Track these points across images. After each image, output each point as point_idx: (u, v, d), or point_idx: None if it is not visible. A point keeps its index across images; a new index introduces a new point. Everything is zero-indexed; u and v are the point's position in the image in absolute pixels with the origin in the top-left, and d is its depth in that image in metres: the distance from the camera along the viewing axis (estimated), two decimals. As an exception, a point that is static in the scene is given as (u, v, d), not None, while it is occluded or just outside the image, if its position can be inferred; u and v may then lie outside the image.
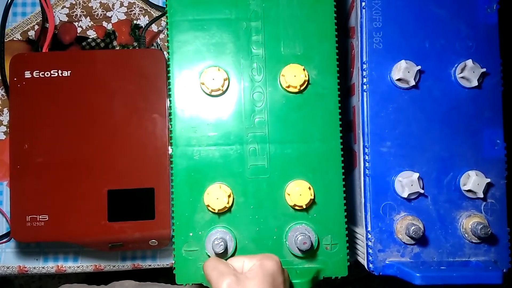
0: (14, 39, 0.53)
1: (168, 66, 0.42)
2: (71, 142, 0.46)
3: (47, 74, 0.47)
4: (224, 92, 0.42)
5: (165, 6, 0.46)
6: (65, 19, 0.54)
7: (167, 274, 0.54)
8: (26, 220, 0.46)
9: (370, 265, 0.41)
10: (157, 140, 0.47)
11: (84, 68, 0.47)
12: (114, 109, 0.47)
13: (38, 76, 0.47)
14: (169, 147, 0.46)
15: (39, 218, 0.46)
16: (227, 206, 0.40)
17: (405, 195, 0.40)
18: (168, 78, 0.42)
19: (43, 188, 0.46)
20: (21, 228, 0.46)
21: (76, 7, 0.54)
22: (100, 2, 0.54)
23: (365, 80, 0.41)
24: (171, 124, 0.42)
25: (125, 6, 0.54)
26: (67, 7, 0.54)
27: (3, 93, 0.53)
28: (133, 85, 0.47)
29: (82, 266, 0.52)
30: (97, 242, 0.47)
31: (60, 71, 0.47)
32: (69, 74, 0.47)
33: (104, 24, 0.54)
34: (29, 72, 0.47)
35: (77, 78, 0.47)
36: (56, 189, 0.46)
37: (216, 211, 0.40)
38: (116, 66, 0.47)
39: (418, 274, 0.38)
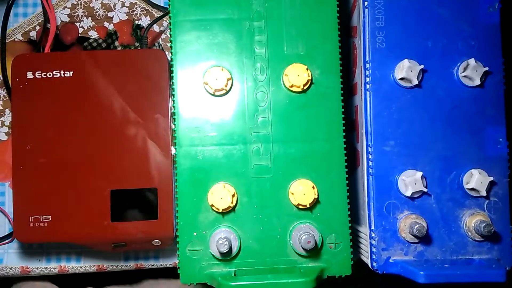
0: (16, 39, 0.53)
1: (170, 66, 0.43)
2: (74, 143, 0.46)
3: (49, 74, 0.47)
4: (227, 92, 0.42)
5: (167, 7, 0.46)
6: (67, 19, 0.54)
7: (170, 274, 0.55)
8: (29, 220, 0.46)
9: (374, 264, 0.41)
10: (160, 140, 0.47)
11: (86, 68, 0.47)
12: (116, 109, 0.47)
13: (40, 76, 0.47)
14: (172, 147, 0.46)
15: (42, 219, 0.46)
16: (231, 205, 0.40)
17: (408, 194, 0.40)
18: (171, 78, 0.42)
19: (45, 189, 0.46)
20: (24, 228, 0.46)
21: (77, 7, 0.54)
22: (102, 3, 0.54)
23: (368, 79, 0.41)
24: (174, 124, 0.42)
25: (126, 7, 0.54)
26: (68, 8, 0.54)
27: (5, 94, 0.53)
28: (135, 86, 0.47)
29: (85, 266, 0.52)
30: (100, 243, 0.47)
31: (62, 72, 0.47)
32: (71, 75, 0.47)
33: (106, 24, 0.54)
34: (31, 72, 0.47)
35: (79, 78, 0.47)
36: (58, 190, 0.46)
37: (220, 210, 0.40)
38: (118, 67, 0.47)
39: (422, 273, 0.38)
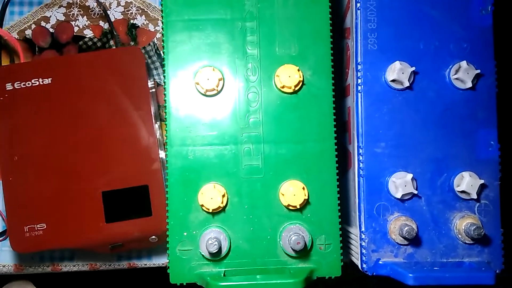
0: (11, 38, 0.53)
1: (147, 63, 0.42)
2: (60, 149, 0.46)
3: (28, 83, 0.47)
4: (219, 92, 0.42)
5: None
6: (62, 18, 0.54)
7: (162, 274, 0.55)
8: (24, 230, 0.46)
9: (364, 265, 0.41)
10: (145, 137, 0.47)
11: (64, 73, 0.47)
12: (98, 110, 0.47)
13: (19, 86, 0.47)
14: (157, 142, 0.46)
15: (37, 228, 0.46)
16: (221, 206, 0.40)
17: (398, 195, 0.40)
18: (150, 75, 0.42)
19: (37, 197, 0.46)
20: (20, 239, 0.46)
21: (73, 6, 0.54)
22: (97, 2, 0.54)
23: (359, 81, 0.41)
24: (166, 124, 0.42)
25: (122, 6, 0.54)
26: (64, 6, 0.54)
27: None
28: (114, 84, 0.47)
29: (78, 265, 0.52)
30: (98, 245, 0.47)
31: (41, 79, 0.47)
32: (50, 81, 0.47)
33: (101, 23, 0.54)
34: (10, 84, 0.47)
35: (58, 84, 0.47)
36: (50, 197, 0.46)
37: (211, 210, 0.40)
38: (95, 67, 0.47)
39: (411, 275, 0.38)
